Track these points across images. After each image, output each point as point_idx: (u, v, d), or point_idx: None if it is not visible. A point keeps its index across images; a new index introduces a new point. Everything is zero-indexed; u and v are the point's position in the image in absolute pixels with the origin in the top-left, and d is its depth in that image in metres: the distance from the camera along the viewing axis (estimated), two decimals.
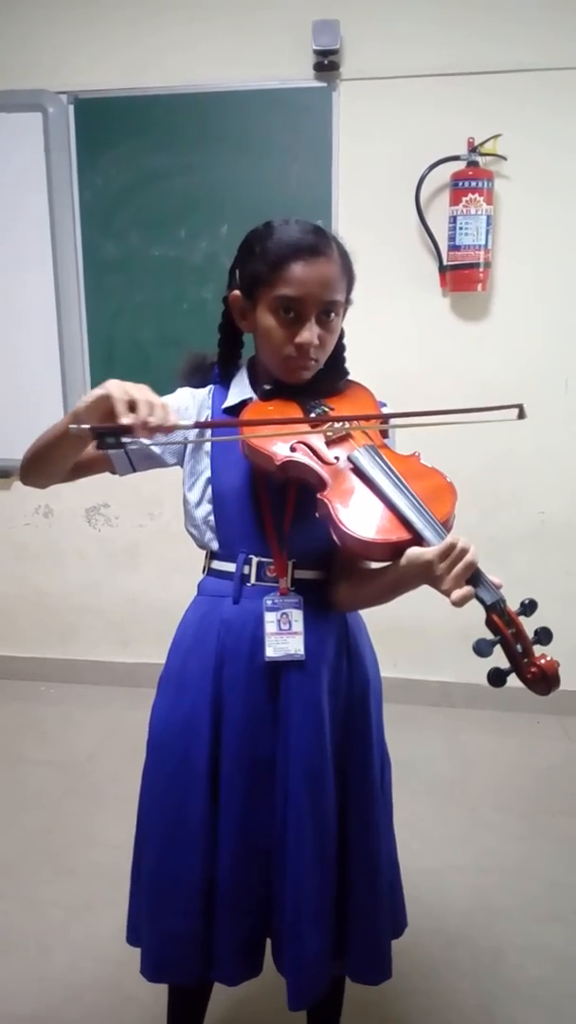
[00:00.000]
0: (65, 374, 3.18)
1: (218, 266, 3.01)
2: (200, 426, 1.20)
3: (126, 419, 1.03)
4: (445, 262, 2.89)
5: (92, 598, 3.42)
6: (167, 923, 1.34)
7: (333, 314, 1.24)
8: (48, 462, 1.24)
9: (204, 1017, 1.57)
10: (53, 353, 3.17)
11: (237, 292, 1.28)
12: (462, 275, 2.86)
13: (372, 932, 1.39)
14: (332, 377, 1.34)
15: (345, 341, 1.36)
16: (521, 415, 1.14)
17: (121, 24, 2.95)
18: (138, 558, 3.32)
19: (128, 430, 1.03)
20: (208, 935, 1.33)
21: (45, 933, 2.02)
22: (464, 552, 1.07)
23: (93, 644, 3.48)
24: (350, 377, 1.38)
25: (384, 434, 1.30)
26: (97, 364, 3.19)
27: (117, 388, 1.05)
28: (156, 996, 1.73)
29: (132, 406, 1.04)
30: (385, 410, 1.33)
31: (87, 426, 1.05)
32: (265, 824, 1.31)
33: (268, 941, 1.39)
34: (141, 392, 1.06)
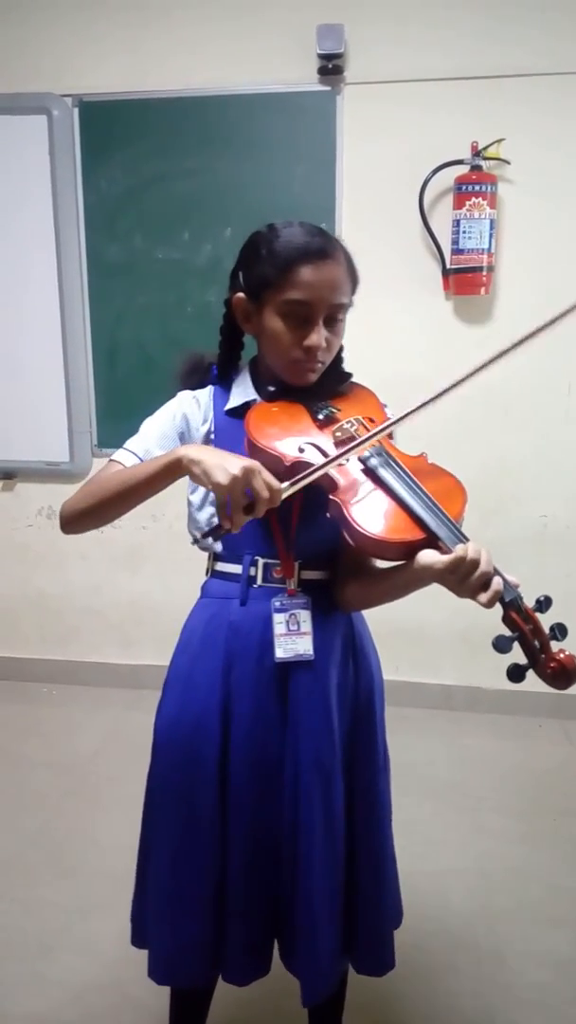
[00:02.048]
0: (68, 377, 3.19)
1: (222, 269, 3.00)
2: (296, 481, 1.14)
3: (241, 519, 1.08)
4: (448, 266, 2.90)
5: (94, 600, 3.43)
6: (178, 926, 1.34)
7: (340, 316, 1.25)
8: (124, 507, 1.22)
9: (206, 1018, 1.57)
10: (57, 356, 3.18)
11: (241, 295, 1.28)
12: (465, 279, 2.86)
13: (378, 925, 1.41)
14: (334, 378, 1.35)
15: (343, 342, 1.35)
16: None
17: (126, 27, 2.96)
18: (140, 560, 3.32)
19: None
20: (218, 937, 1.33)
21: (46, 934, 2.03)
22: (475, 563, 1.07)
23: (95, 646, 3.48)
24: (353, 379, 1.39)
25: (391, 434, 1.30)
26: (100, 367, 3.20)
27: (238, 495, 1.07)
28: (157, 997, 1.73)
29: (249, 508, 1.08)
30: (388, 411, 1.34)
31: (207, 533, 1.14)
32: (274, 825, 1.31)
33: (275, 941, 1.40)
34: (262, 490, 1.07)
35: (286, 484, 1.12)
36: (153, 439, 1.31)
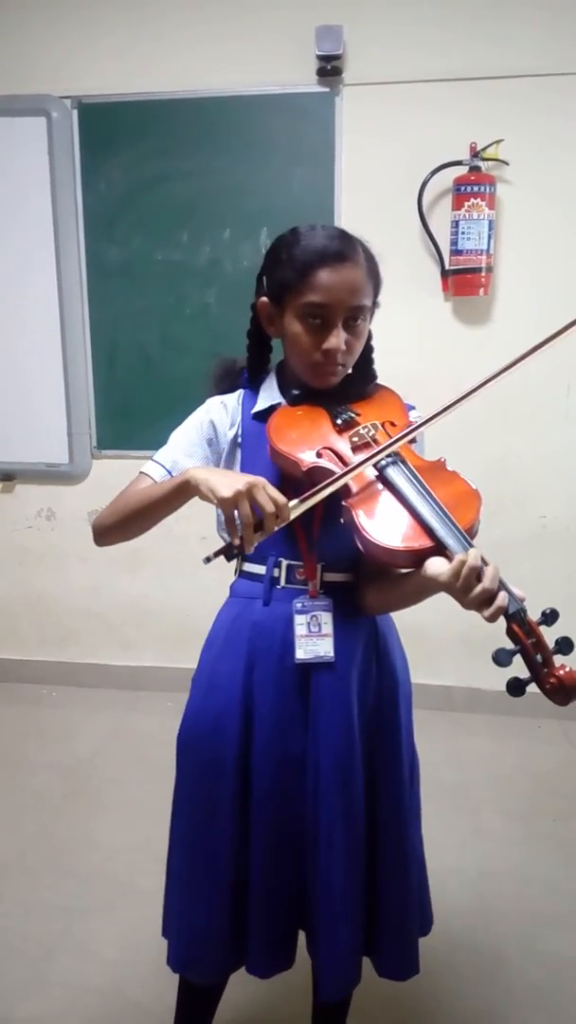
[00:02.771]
0: (68, 378, 3.19)
1: (221, 270, 3.02)
2: (306, 498, 1.15)
3: (251, 536, 1.09)
4: (447, 266, 2.90)
5: (94, 601, 3.42)
6: (194, 919, 1.36)
7: (360, 319, 1.25)
8: (147, 524, 1.30)
9: (212, 1020, 1.58)
10: (56, 357, 3.18)
11: (265, 299, 1.29)
12: (464, 279, 2.87)
13: (401, 929, 1.41)
14: (361, 381, 1.36)
15: (373, 343, 1.37)
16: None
17: (125, 29, 2.97)
18: (140, 562, 3.32)
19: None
20: (237, 931, 1.35)
21: (46, 936, 2.02)
22: (475, 570, 1.06)
23: (94, 647, 3.48)
24: (379, 380, 1.39)
25: (413, 439, 1.30)
26: (100, 368, 3.20)
27: (246, 509, 1.08)
28: (157, 999, 1.74)
29: (260, 526, 1.09)
30: (415, 413, 1.34)
31: (217, 553, 1.12)
32: (297, 820, 1.32)
33: (302, 933, 1.41)
34: (267, 504, 1.08)
35: (295, 501, 1.12)
36: (180, 449, 1.33)
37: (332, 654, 1.30)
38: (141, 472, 1.33)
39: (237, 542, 1.10)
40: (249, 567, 1.36)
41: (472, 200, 2.78)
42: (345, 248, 1.21)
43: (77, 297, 3.14)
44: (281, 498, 1.10)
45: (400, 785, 1.39)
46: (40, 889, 2.20)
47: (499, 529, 3.04)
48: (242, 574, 1.38)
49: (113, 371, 3.19)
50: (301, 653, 1.29)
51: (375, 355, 1.40)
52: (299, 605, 1.30)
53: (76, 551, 3.38)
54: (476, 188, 2.77)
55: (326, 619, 1.30)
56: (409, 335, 2.99)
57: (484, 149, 2.80)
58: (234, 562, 1.37)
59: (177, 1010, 1.55)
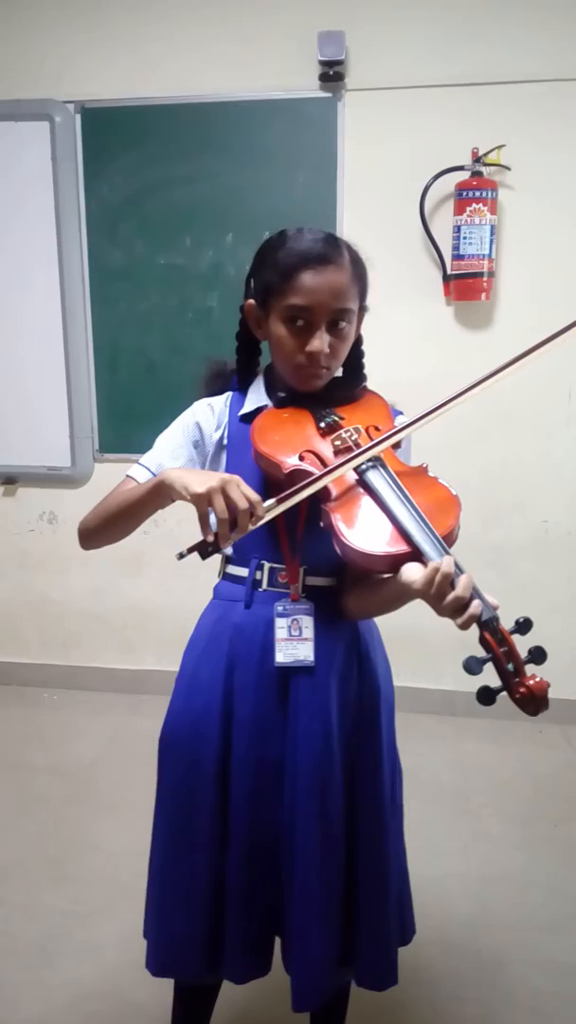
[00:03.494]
0: (70, 382, 3.20)
1: (223, 274, 3.03)
2: (283, 499, 1.14)
3: (226, 532, 1.09)
4: (449, 271, 2.91)
5: (95, 605, 3.43)
6: (171, 922, 1.36)
7: (344, 322, 1.24)
8: (129, 526, 1.31)
9: (209, 1019, 1.57)
10: (59, 361, 3.18)
11: (252, 301, 1.29)
12: (466, 284, 2.87)
13: (379, 939, 1.39)
14: (348, 385, 1.35)
15: (364, 348, 1.36)
16: None
17: (128, 34, 2.98)
18: (142, 565, 3.32)
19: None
20: (214, 935, 1.34)
21: (46, 939, 2.02)
22: (448, 577, 1.04)
23: (96, 651, 3.48)
24: (366, 384, 1.39)
25: (397, 444, 1.30)
26: (102, 372, 3.20)
27: (220, 504, 1.08)
28: (157, 1001, 1.73)
29: (233, 523, 1.09)
30: (401, 418, 1.33)
31: (190, 549, 1.12)
32: (274, 827, 1.32)
33: (278, 941, 1.40)
34: (240, 500, 1.08)
35: (272, 501, 1.12)
36: (166, 452, 1.34)
37: (312, 658, 1.29)
38: (127, 475, 1.33)
39: (211, 539, 1.10)
40: (232, 569, 1.36)
41: (474, 205, 2.78)
42: (329, 251, 1.20)
43: (80, 301, 3.15)
44: (255, 495, 1.09)
45: (380, 793, 1.37)
46: (41, 892, 2.20)
47: (501, 533, 3.04)
48: (225, 576, 1.38)
49: (115, 375, 3.20)
50: (281, 657, 1.28)
51: (366, 360, 1.40)
52: (280, 608, 1.30)
53: (78, 554, 3.35)
54: (478, 193, 2.78)
55: (307, 623, 1.29)
56: (411, 340, 2.99)
57: (486, 154, 2.81)
58: (209, 569, 1.37)
59: (174, 1010, 1.55)
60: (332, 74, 2.84)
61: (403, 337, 2.97)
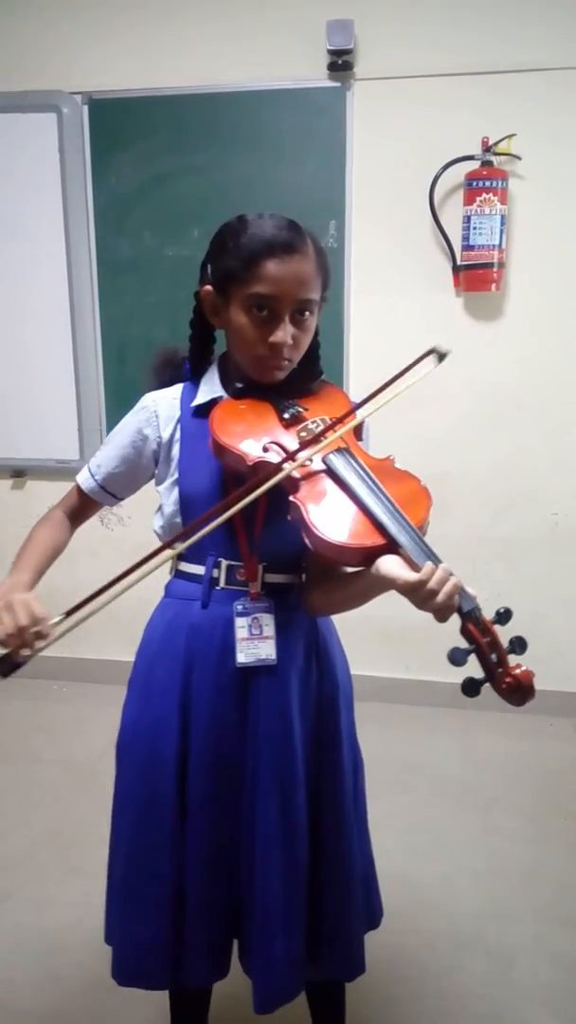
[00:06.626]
0: (78, 375, 3.19)
1: None
2: (249, 489, 1.13)
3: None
4: (459, 262, 2.88)
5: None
6: (135, 930, 1.33)
7: (308, 313, 1.20)
8: None
9: (207, 1018, 1.57)
10: (66, 354, 3.18)
11: (209, 288, 1.26)
12: (476, 275, 2.85)
13: (344, 931, 1.37)
14: (306, 376, 1.31)
15: (319, 339, 1.31)
16: (441, 359, 1.15)
17: (135, 24, 2.96)
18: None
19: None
20: (176, 940, 1.31)
21: (55, 931, 2.03)
22: (434, 593, 1.02)
23: (104, 643, 3.47)
24: (324, 376, 1.35)
25: (359, 436, 1.27)
26: (110, 364, 3.20)
27: (8, 623, 1.11)
28: (164, 992, 1.73)
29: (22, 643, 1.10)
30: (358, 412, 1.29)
31: None
32: (234, 829, 1.29)
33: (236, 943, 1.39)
34: (22, 619, 1.11)
35: (59, 616, 1.15)
36: (113, 461, 1.37)
37: (275, 657, 1.26)
38: (76, 480, 1.40)
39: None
40: (186, 567, 1.32)
41: (484, 195, 2.76)
42: (295, 239, 1.16)
43: (87, 293, 3.14)
44: (41, 613, 1.11)
45: (341, 788, 1.35)
46: (50, 884, 2.20)
47: (510, 525, 3.02)
48: (178, 574, 1.34)
49: (124, 367, 3.19)
50: (242, 657, 1.25)
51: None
52: (240, 607, 1.26)
53: (86, 546, 3.37)
54: (488, 183, 2.76)
55: (267, 621, 1.26)
56: (420, 331, 2.97)
57: (496, 144, 2.79)
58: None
59: (171, 1012, 1.55)
60: (341, 63, 2.82)
61: (412, 328, 2.95)
